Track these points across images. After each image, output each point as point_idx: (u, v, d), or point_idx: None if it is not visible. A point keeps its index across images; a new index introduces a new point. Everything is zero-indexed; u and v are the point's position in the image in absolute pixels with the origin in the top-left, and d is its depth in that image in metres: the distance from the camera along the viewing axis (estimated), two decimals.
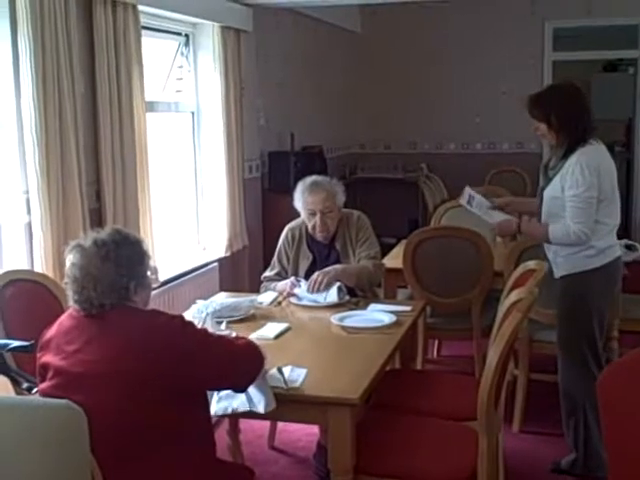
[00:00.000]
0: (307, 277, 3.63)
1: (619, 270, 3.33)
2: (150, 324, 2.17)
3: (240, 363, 2.30)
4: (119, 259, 2.17)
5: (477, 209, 3.63)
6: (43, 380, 2.18)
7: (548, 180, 3.35)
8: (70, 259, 2.19)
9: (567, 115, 3.26)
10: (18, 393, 2.36)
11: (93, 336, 2.13)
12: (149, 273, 2.28)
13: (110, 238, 2.21)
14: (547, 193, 3.34)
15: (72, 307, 2.23)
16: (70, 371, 2.10)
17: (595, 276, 3.23)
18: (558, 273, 3.36)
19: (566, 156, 3.26)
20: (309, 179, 3.73)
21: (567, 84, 3.40)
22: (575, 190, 3.17)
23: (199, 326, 2.56)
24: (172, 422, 2.13)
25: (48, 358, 2.17)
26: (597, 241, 3.24)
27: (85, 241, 2.21)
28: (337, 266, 3.54)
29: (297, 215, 3.81)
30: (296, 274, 3.68)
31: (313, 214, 3.62)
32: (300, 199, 3.67)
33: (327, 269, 3.50)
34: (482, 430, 2.52)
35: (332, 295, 3.43)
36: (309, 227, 3.68)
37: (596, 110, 11.23)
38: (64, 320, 2.22)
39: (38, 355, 2.22)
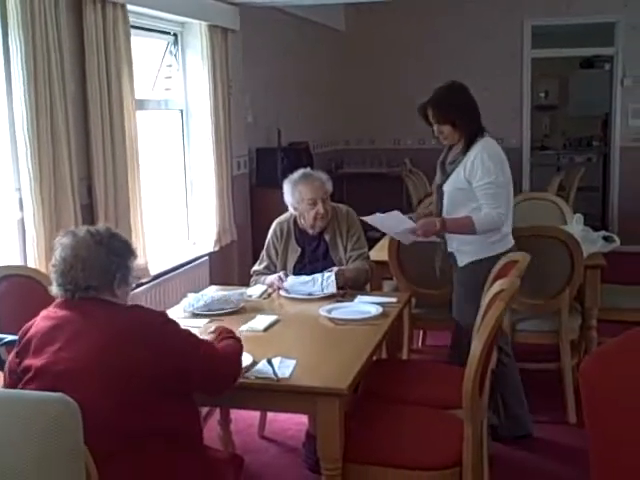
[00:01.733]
0: (295, 270, 3.70)
1: None
2: (133, 319, 2.19)
3: (219, 367, 2.31)
4: (111, 246, 2.23)
5: (387, 229, 3.68)
6: (18, 381, 2.16)
7: (447, 175, 3.47)
8: (61, 242, 2.22)
9: (466, 113, 3.42)
10: None
11: (76, 333, 2.13)
12: (132, 273, 2.32)
13: (103, 230, 2.28)
14: (449, 186, 3.45)
15: (47, 310, 2.23)
16: (54, 369, 2.09)
17: (497, 261, 3.28)
18: (463, 261, 3.48)
19: (467, 150, 3.39)
20: (297, 173, 3.79)
21: (455, 84, 3.50)
22: (488, 178, 3.31)
23: None
24: (157, 415, 2.14)
25: (29, 362, 2.15)
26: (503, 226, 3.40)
27: (78, 230, 2.27)
28: (336, 268, 3.60)
29: (285, 209, 3.86)
30: (285, 267, 3.74)
31: (314, 203, 3.67)
32: (294, 193, 3.71)
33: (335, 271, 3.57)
34: (467, 418, 2.55)
35: (331, 286, 3.49)
36: (309, 219, 3.70)
37: (574, 106, 11.37)
38: (40, 322, 2.21)
39: (15, 360, 2.20)
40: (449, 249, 3.55)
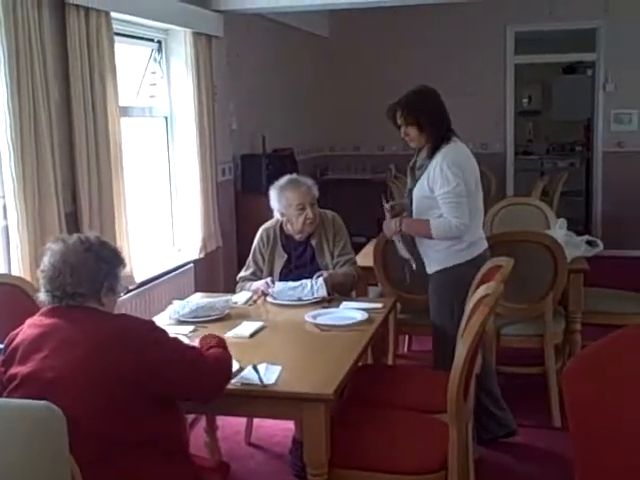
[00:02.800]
0: (282, 275, 3.71)
1: (485, 262, 3.26)
2: (119, 327, 2.19)
3: (206, 375, 2.30)
4: (100, 254, 2.25)
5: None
6: (2, 390, 2.15)
7: (415, 181, 3.49)
8: (51, 248, 2.23)
9: (433, 117, 3.41)
10: None
11: (62, 340, 2.13)
12: (121, 282, 2.33)
13: (93, 238, 2.30)
14: (415, 193, 3.47)
15: (33, 318, 2.23)
16: (40, 377, 2.09)
17: (466, 269, 3.33)
18: (431, 269, 3.51)
19: (432, 155, 3.40)
20: (284, 179, 3.79)
21: (425, 88, 3.51)
22: (447, 187, 3.31)
23: None
24: (142, 423, 2.14)
25: (15, 370, 2.15)
26: (467, 235, 3.38)
27: (68, 237, 2.28)
28: (326, 273, 3.61)
29: (270, 216, 3.87)
30: (271, 273, 3.74)
31: (302, 209, 3.67)
32: (281, 199, 3.71)
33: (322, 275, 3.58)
34: (452, 422, 2.57)
35: (321, 289, 3.50)
36: (298, 224, 3.70)
37: (557, 111, 11.48)
38: (26, 330, 2.20)
39: (0, 369, 2.20)
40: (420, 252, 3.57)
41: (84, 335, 2.13)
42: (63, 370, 2.08)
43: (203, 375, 2.30)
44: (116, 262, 2.31)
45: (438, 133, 3.41)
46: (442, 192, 3.32)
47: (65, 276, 2.17)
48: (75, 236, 2.28)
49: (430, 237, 3.39)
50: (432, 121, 3.40)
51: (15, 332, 2.25)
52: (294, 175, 3.86)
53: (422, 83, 3.59)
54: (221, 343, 2.54)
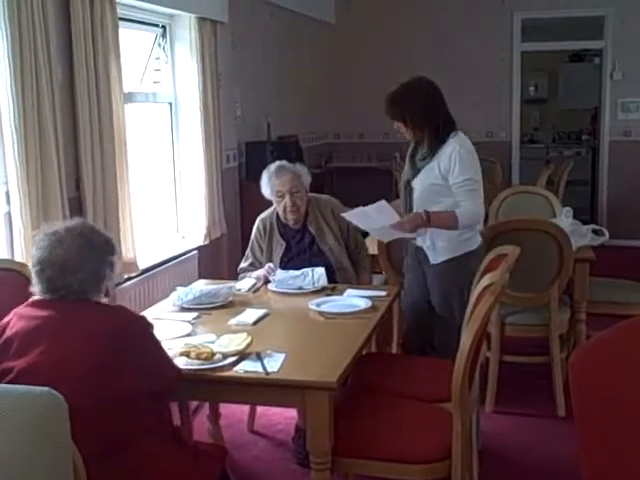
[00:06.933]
0: (282, 263, 3.71)
1: (483, 252, 3.27)
2: (117, 321, 2.20)
3: (174, 380, 2.39)
4: (93, 244, 2.26)
5: (367, 226, 3.57)
6: None
7: (417, 171, 3.44)
8: (49, 240, 2.22)
9: (422, 112, 3.36)
10: None
11: (60, 334, 2.12)
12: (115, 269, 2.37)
13: (82, 225, 2.31)
14: (421, 183, 3.41)
15: (22, 308, 2.21)
16: (39, 371, 2.08)
17: (472, 258, 3.32)
18: (438, 259, 3.45)
19: (438, 147, 3.35)
20: (273, 165, 3.81)
21: (417, 81, 3.47)
22: (468, 174, 3.30)
23: None
24: (141, 414, 2.17)
25: (10, 363, 2.12)
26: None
27: (60, 227, 2.27)
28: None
29: (272, 204, 3.87)
30: (271, 262, 3.74)
31: (282, 196, 3.69)
32: (268, 185, 3.74)
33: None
34: (456, 411, 2.56)
35: (322, 279, 3.50)
36: (280, 211, 3.72)
37: (563, 99, 11.46)
38: (18, 322, 2.18)
39: None
40: (419, 244, 3.51)
41: (82, 329, 2.14)
42: (62, 364, 2.08)
43: (174, 369, 2.39)
44: (112, 250, 2.33)
45: (432, 128, 3.36)
46: (461, 180, 3.29)
47: (66, 273, 2.16)
48: (64, 226, 2.26)
49: (454, 228, 3.34)
50: (418, 117, 3.36)
51: (3, 323, 2.22)
52: (283, 162, 3.85)
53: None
54: None
